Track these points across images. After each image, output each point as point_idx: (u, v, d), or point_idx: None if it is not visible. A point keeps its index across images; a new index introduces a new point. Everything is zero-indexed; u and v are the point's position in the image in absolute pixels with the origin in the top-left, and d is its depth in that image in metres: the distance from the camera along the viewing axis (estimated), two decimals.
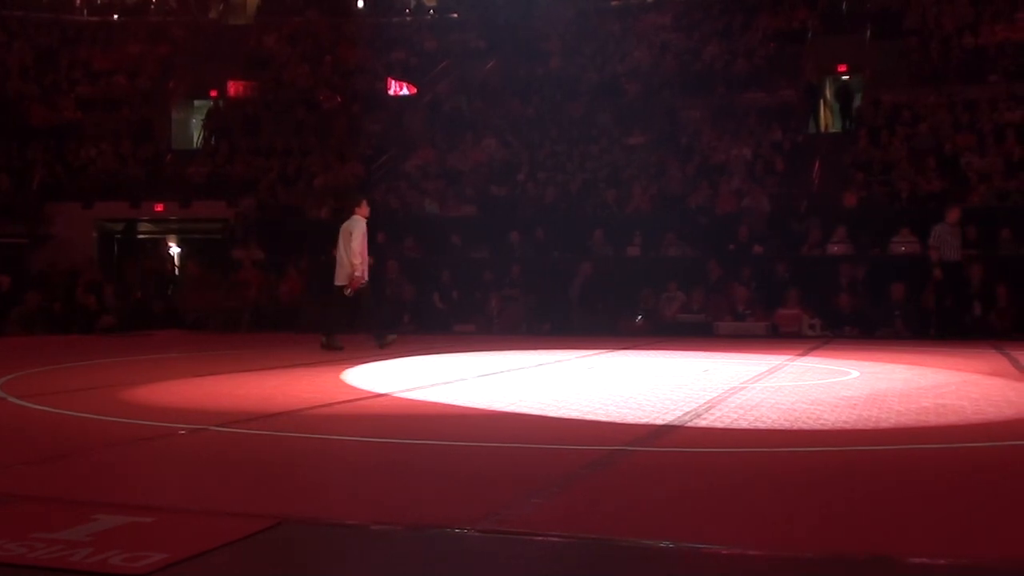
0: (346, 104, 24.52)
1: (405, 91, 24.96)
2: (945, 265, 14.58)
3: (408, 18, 28.87)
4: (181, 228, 24.41)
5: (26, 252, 21.33)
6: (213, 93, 25.53)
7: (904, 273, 15.67)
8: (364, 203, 12.46)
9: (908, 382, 8.72)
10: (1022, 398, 7.58)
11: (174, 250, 24.02)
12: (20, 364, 10.64)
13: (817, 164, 19.64)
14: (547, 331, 16.52)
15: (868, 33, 22.91)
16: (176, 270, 21.48)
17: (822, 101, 23.28)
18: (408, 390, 8.11)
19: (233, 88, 25.05)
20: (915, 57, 21.59)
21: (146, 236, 24.64)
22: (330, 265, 12.77)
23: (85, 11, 28.90)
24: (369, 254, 12.43)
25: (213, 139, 24.50)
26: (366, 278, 12.23)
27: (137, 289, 19.40)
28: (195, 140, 25.73)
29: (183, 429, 6.09)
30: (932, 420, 6.38)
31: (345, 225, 12.30)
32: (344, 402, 7.42)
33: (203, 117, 25.50)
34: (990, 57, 20.76)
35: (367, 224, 12.36)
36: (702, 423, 6.18)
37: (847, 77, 23.63)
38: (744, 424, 6.11)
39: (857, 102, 22.11)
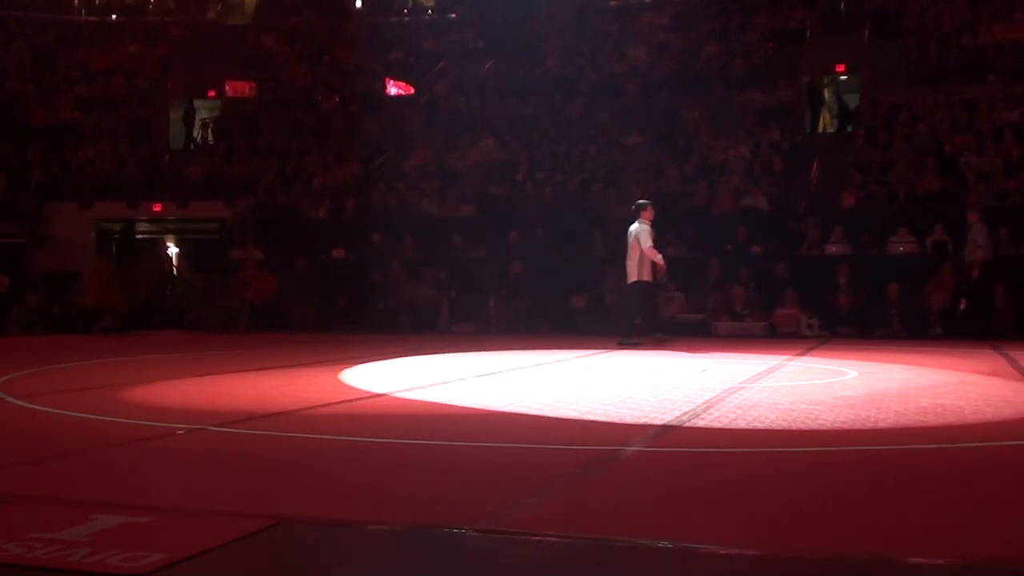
0: (344, 104, 24.50)
1: (403, 91, 24.93)
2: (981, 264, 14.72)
3: (406, 18, 28.86)
4: (179, 228, 24.39)
5: (24, 252, 21.30)
6: (211, 93, 25.51)
7: (903, 273, 15.68)
8: (648, 209, 13.67)
9: (906, 382, 8.72)
10: (1020, 398, 7.58)
11: (172, 250, 23.99)
12: (19, 364, 10.63)
13: (815, 164, 19.63)
14: (546, 331, 16.51)
15: (866, 33, 22.89)
16: (175, 270, 21.43)
17: (821, 101, 23.25)
18: (406, 390, 8.11)
19: (230, 88, 25.03)
20: (914, 57, 21.57)
21: (144, 236, 24.62)
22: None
23: (83, 11, 28.87)
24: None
25: (194, 138, 24.55)
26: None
27: (142, 290, 19.36)
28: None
29: (181, 429, 6.08)
30: (930, 420, 6.38)
31: (631, 229, 13.59)
32: (342, 402, 7.41)
33: (199, 117, 25.51)
34: (988, 57, 20.74)
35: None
36: (700, 423, 6.18)
37: (845, 77, 23.61)
38: (742, 424, 6.11)
39: (853, 104, 22.07)
